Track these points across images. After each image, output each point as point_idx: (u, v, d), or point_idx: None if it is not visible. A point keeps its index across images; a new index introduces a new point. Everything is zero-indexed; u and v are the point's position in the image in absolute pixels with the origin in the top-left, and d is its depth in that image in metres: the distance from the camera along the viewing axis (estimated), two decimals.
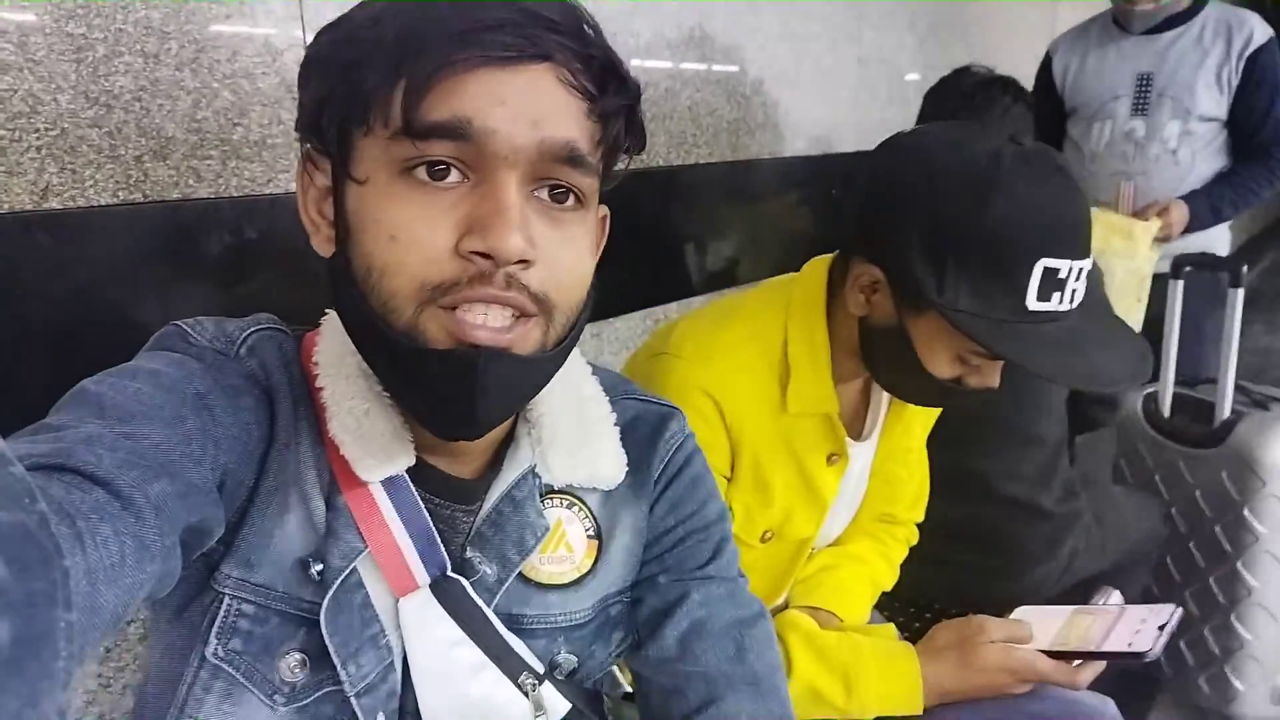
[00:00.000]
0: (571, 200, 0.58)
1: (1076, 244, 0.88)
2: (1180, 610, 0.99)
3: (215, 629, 0.59)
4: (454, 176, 0.55)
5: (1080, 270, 0.89)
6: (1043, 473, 1.55)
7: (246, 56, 0.96)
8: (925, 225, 0.89)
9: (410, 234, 0.54)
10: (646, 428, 0.77)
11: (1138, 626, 0.99)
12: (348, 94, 0.55)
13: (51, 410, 0.52)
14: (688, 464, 0.78)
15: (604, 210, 0.68)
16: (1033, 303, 0.88)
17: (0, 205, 0.80)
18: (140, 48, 0.87)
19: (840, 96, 2.04)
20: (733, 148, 1.72)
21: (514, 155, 0.54)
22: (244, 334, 0.63)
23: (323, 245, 0.61)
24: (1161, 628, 0.96)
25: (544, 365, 0.60)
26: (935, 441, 1.30)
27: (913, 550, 1.32)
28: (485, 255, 0.53)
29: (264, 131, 0.99)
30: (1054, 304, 0.88)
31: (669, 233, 1.59)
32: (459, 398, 0.56)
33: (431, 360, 0.55)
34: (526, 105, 0.54)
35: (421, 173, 0.54)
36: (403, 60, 0.53)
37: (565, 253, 0.58)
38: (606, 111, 0.58)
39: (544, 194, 0.57)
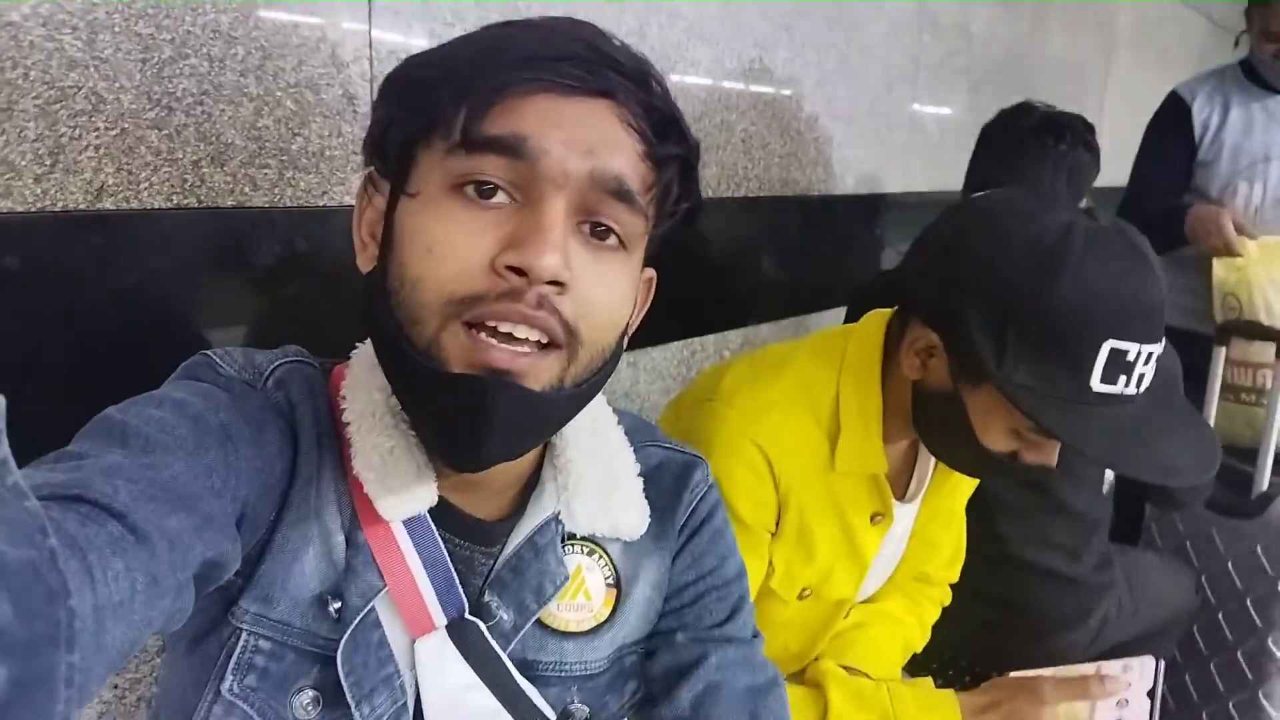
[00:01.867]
0: (615, 240, 0.58)
1: (1148, 327, 0.85)
2: (1161, 662, 0.98)
3: (232, 664, 0.59)
4: (502, 197, 0.55)
5: (1150, 354, 0.85)
6: (1075, 543, 1.52)
7: (311, 66, 0.95)
8: (988, 297, 0.86)
9: (447, 247, 0.54)
10: (670, 475, 0.76)
11: (1125, 693, 0.98)
12: (417, 110, 0.56)
13: (76, 436, 0.52)
14: (710, 517, 0.77)
15: (650, 273, 0.67)
16: (1097, 384, 0.84)
17: (54, 203, 0.78)
18: (206, 51, 0.86)
19: (891, 137, 2.02)
20: (783, 182, 1.69)
21: (564, 179, 0.54)
22: (272, 366, 0.63)
23: (366, 263, 0.61)
24: (1150, 693, 0.95)
25: (558, 404, 0.59)
26: (967, 503, 1.27)
27: (942, 610, 1.29)
28: (519, 272, 0.53)
29: (323, 143, 0.97)
30: (1119, 387, 0.85)
31: (713, 264, 1.56)
32: (466, 427, 0.55)
33: (443, 384, 0.55)
34: (583, 133, 0.55)
35: (470, 190, 0.55)
36: (472, 79, 0.54)
37: (601, 289, 0.57)
38: (661, 157, 0.58)
39: (588, 230, 0.57)
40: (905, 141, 2.06)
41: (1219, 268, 2.02)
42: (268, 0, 0.90)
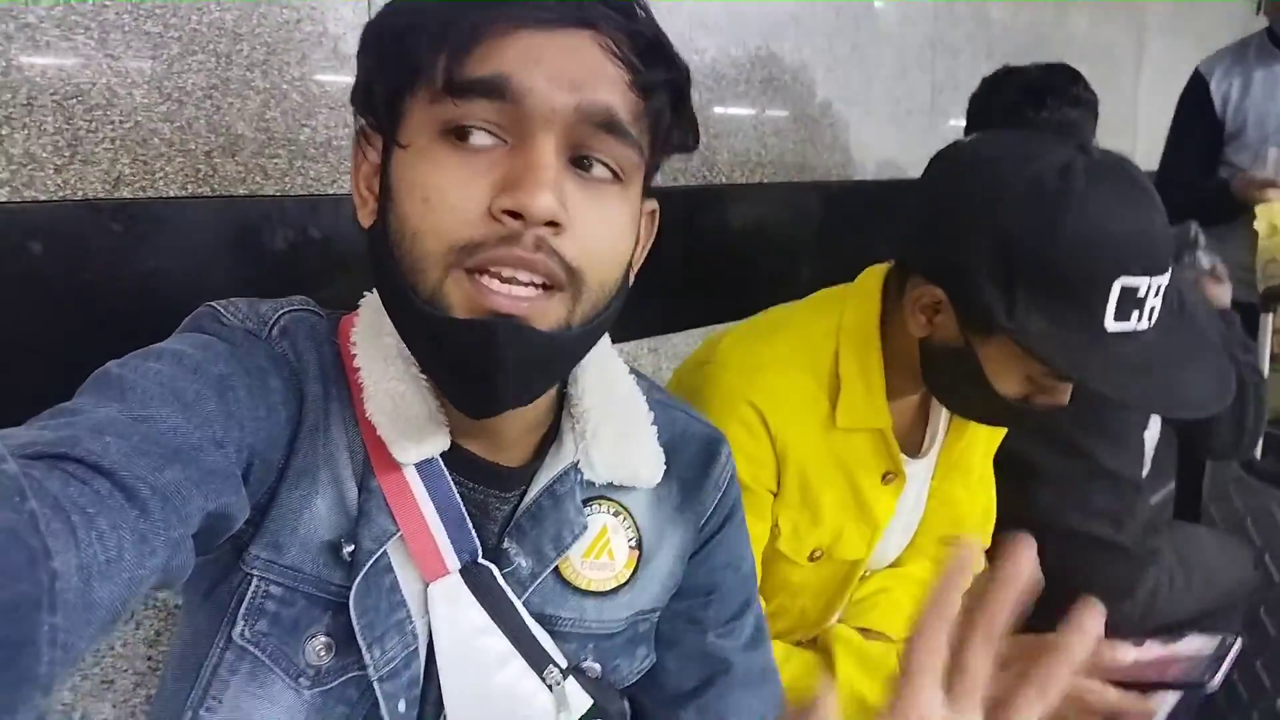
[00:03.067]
0: (609, 173, 0.57)
1: (1156, 259, 0.83)
2: (1239, 640, 0.94)
3: (243, 610, 0.59)
4: (491, 140, 0.54)
5: (1159, 286, 0.84)
6: (1118, 508, 1.48)
7: (315, 60, 0.99)
8: (993, 247, 0.84)
9: (443, 196, 0.54)
10: (696, 445, 0.76)
11: (1193, 656, 0.94)
12: (399, 60, 0.55)
13: (77, 391, 0.53)
14: (735, 508, 0.78)
15: (652, 204, 0.67)
16: (1110, 324, 0.83)
17: (75, 192, 0.84)
18: (213, 48, 0.91)
19: (912, 122, 2.02)
20: (799, 168, 1.70)
21: (551, 116, 0.54)
22: (276, 315, 0.63)
23: (367, 218, 0.61)
24: (1220, 659, 0.90)
25: (568, 343, 0.58)
26: (1001, 469, 1.25)
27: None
28: (515, 215, 0.53)
29: (330, 133, 1.02)
30: (1132, 323, 0.83)
31: (731, 251, 1.58)
32: (480, 372, 0.55)
33: (452, 331, 0.55)
34: (565, 67, 0.54)
35: (459, 136, 0.54)
36: (449, 23, 0.53)
37: (600, 225, 0.57)
38: (650, 84, 0.57)
39: (581, 165, 0.56)
40: (926, 126, 2.06)
41: (1263, 232, 1.97)
42: None
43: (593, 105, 0.54)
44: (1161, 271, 0.84)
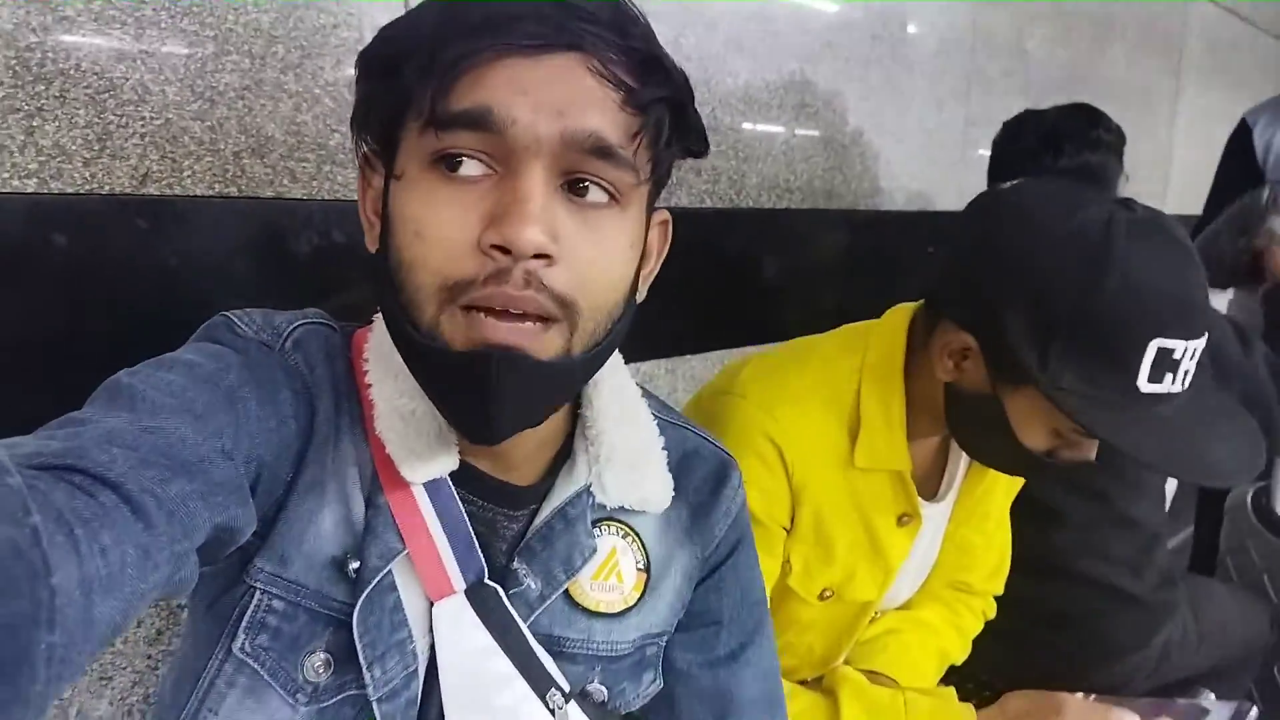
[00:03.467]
0: (604, 196, 0.56)
1: (1193, 323, 0.82)
2: (1254, 709, 0.91)
3: (244, 623, 0.59)
4: (480, 170, 0.54)
5: (1195, 350, 0.82)
6: (1137, 557, 1.46)
7: (349, 66, 0.99)
8: (1030, 298, 0.83)
9: (434, 230, 0.53)
10: (706, 468, 0.75)
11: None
12: (389, 90, 0.55)
13: (87, 400, 0.52)
14: (745, 535, 0.77)
15: (664, 215, 0.66)
16: (1144, 385, 0.81)
17: (102, 186, 0.83)
18: (248, 49, 0.91)
19: (944, 155, 2.00)
20: (827, 195, 1.69)
21: (536, 145, 0.53)
22: (291, 327, 0.63)
23: (373, 243, 0.61)
24: None
25: (569, 370, 0.57)
26: (1019, 511, 1.23)
27: (987, 624, 1.25)
28: (504, 249, 0.52)
29: None
30: (1165, 386, 0.82)
31: (754, 275, 1.57)
32: (475, 401, 0.55)
33: (448, 362, 0.54)
34: (550, 94, 0.53)
35: (446, 166, 0.54)
36: (434, 54, 0.52)
37: (595, 252, 0.55)
38: (644, 102, 0.56)
39: (573, 190, 0.55)
40: (959, 160, 2.04)
41: None
42: (308, 1, 0.95)
43: (579, 131, 0.53)
44: (1198, 336, 0.83)
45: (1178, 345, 0.81)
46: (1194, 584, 1.68)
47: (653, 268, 0.66)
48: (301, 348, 0.63)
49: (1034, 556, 1.32)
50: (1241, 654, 1.69)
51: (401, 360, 0.61)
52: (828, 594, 1.00)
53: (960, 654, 1.20)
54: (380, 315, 0.65)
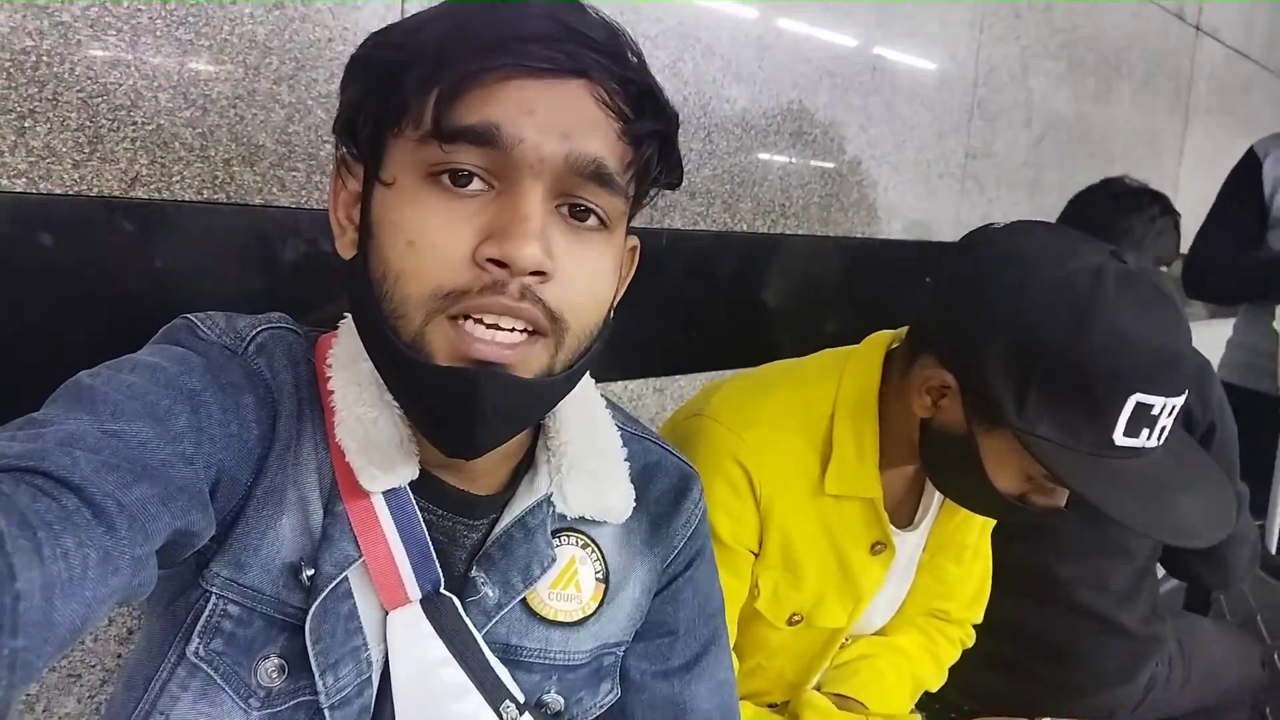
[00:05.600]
0: (595, 221, 0.57)
1: (1174, 379, 0.82)
2: None
3: (199, 627, 0.59)
4: (478, 185, 0.54)
5: (1174, 407, 0.82)
6: (1130, 589, 1.45)
7: None
8: (1012, 342, 0.83)
9: (427, 240, 0.54)
10: (668, 480, 0.76)
11: None
12: (384, 96, 0.55)
13: (47, 400, 0.52)
14: (704, 548, 0.77)
15: (634, 241, 0.67)
16: (1119, 438, 0.81)
17: (91, 188, 0.85)
18: (243, 59, 0.92)
19: (943, 186, 2.01)
20: (823, 222, 1.70)
21: (539, 166, 0.54)
22: (254, 331, 0.63)
23: (346, 249, 0.61)
24: None
25: (549, 390, 0.58)
26: (1010, 533, 1.22)
27: (969, 649, 1.25)
28: (500, 264, 0.53)
29: None
30: (1141, 440, 0.82)
31: (746, 298, 1.57)
32: (458, 418, 0.55)
33: (432, 377, 0.54)
34: (557, 117, 0.54)
35: (446, 179, 0.54)
36: (440, 65, 0.53)
37: (584, 273, 0.57)
38: (639, 134, 0.57)
39: (567, 211, 0.56)
40: (958, 191, 2.05)
41: None
42: (304, 15, 0.96)
43: (582, 156, 0.54)
44: (1178, 393, 0.83)
45: (1157, 401, 0.81)
46: (1185, 622, 1.67)
47: (620, 290, 0.67)
48: (264, 352, 0.63)
49: (1030, 584, 1.32)
50: (1231, 695, 1.68)
51: (366, 368, 0.62)
52: (796, 619, 1.00)
53: (935, 681, 1.19)
54: (345, 325, 0.66)
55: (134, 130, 0.86)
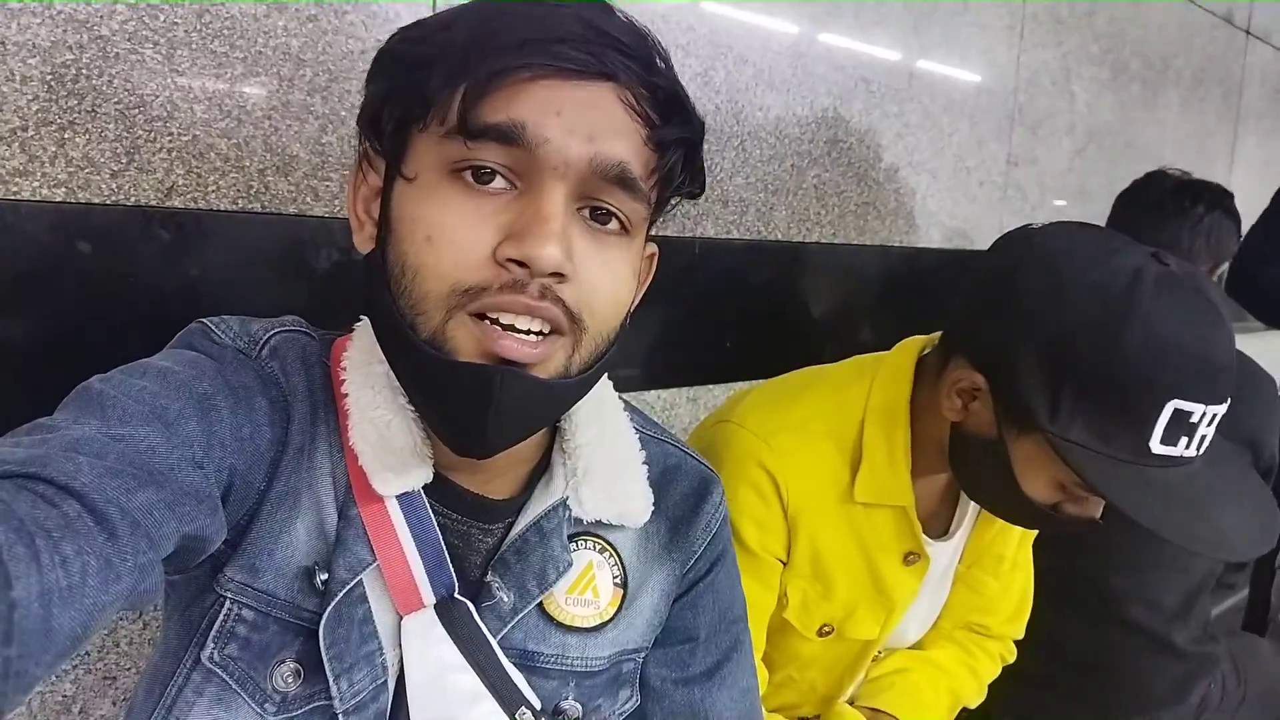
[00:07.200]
0: (617, 225, 0.57)
1: (1215, 386, 0.79)
2: None
3: (214, 632, 0.59)
4: (501, 183, 0.54)
5: (1214, 416, 0.79)
6: (1183, 607, 1.41)
7: None
8: (1045, 343, 0.81)
9: (447, 236, 0.54)
10: (688, 483, 0.75)
11: None
12: (411, 91, 0.55)
13: (59, 404, 0.53)
14: (725, 552, 0.76)
15: (653, 248, 0.67)
16: (1156, 446, 0.78)
17: (128, 198, 0.87)
18: (277, 71, 0.94)
19: (983, 194, 1.98)
20: (859, 230, 1.68)
21: (564, 167, 0.53)
22: (268, 334, 0.63)
23: (364, 243, 0.61)
24: None
25: (564, 391, 0.58)
26: (1059, 545, 1.19)
27: (1010, 665, 1.21)
28: (521, 264, 0.52)
29: None
30: (1179, 449, 0.79)
31: (780, 307, 1.56)
32: (473, 415, 0.55)
33: (450, 373, 0.54)
34: (583, 119, 0.53)
35: (469, 176, 0.54)
36: (468, 62, 0.53)
37: (604, 275, 0.56)
38: (664, 141, 0.57)
39: (589, 214, 0.56)
40: (998, 199, 2.02)
41: None
42: (337, 28, 0.98)
43: (607, 159, 0.54)
44: (1219, 401, 0.79)
45: (1196, 409, 0.78)
46: (1241, 642, 1.62)
47: (638, 296, 0.66)
48: (278, 355, 0.63)
49: (1080, 598, 1.28)
50: None
51: (380, 371, 0.62)
52: (827, 630, 0.98)
53: (975, 697, 1.16)
54: (360, 327, 0.66)
55: (170, 141, 0.88)
